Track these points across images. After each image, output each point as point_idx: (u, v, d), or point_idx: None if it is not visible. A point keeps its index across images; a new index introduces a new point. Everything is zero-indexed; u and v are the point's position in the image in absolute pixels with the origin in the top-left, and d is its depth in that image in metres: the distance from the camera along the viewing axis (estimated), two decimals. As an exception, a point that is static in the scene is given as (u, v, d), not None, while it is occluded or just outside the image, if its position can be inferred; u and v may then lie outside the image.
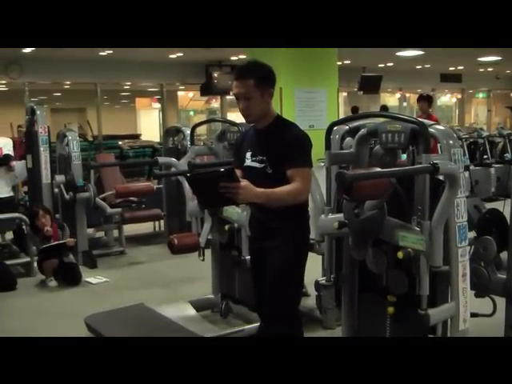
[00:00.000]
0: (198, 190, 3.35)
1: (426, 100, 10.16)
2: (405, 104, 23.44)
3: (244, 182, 3.21)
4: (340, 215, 3.82)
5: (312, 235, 3.95)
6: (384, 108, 16.34)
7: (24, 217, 7.28)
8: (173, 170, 7.24)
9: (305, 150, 3.49)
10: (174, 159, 7.47)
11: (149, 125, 22.03)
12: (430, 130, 3.54)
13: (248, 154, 3.64)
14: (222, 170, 3.24)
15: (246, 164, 3.65)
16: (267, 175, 3.50)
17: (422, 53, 14.94)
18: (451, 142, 3.54)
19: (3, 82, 15.86)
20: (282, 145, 3.46)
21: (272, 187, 3.36)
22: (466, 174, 10.23)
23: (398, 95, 23.34)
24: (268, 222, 3.60)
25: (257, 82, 3.44)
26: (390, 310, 3.74)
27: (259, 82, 3.45)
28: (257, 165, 3.56)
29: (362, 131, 3.98)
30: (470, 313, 3.62)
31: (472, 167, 11.63)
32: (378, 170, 3.44)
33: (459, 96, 25.75)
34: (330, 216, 4.00)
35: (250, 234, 3.99)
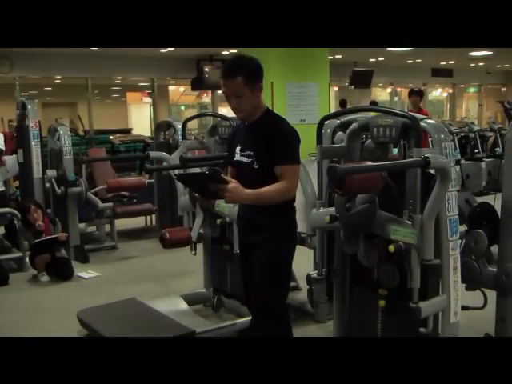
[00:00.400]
0: (189, 187, 3.39)
1: (418, 94, 10.05)
2: (396, 98, 23.47)
3: (231, 184, 3.21)
4: (331, 209, 3.83)
5: (303, 229, 3.96)
6: (373, 104, 16.33)
7: (16, 212, 7.27)
8: (164, 164, 7.24)
9: (292, 146, 3.47)
10: (165, 153, 7.48)
11: (140, 119, 21.98)
12: (422, 124, 3.55)
13: (237, 149, 3.63)
14: (207, 173, 3.25)
15: (235, 158, 3.65)
16: (254, 170, 3.50)
17: (413, 47, 14.97)
18: (442, 136, 3.55)
19: (-6, 76, 15.83)
20: (269, 141, 3.45)
21: (258, 182, 3.37)
22: (457, 168, 10.29)
23: (389, 90, 23.37)
24: (254, 218, 3.59)
25: (245, 79, 3.41)
26: (382, 303, 3.76)
27: (248, 78, 3.42)
28: (244, 159, 3.56)
29: (354, 125, 3.98)
30: (461, 306, 3.64)
31: (463, 161, 11.67)
32: (370, 164, 3.45)
33: (450, 91, 25.80)
34: (322, 210, 4.01)
35: (237, 229, 4.00)
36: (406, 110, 4.31)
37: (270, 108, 3.68)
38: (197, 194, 3.68)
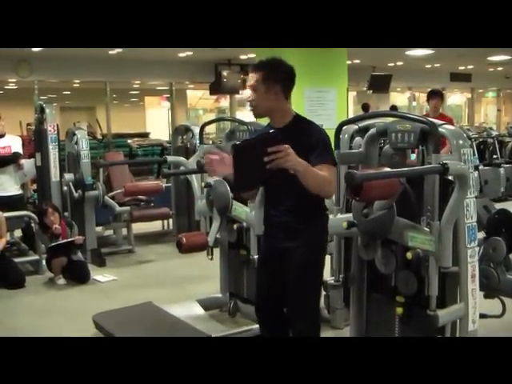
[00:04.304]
0: (242, 163, 3.14)
1: (440, 96, 8.77)
2: (414, 103, 23.38)
3: (288, 145, 3.12)
4: (349, 215, 3.81)
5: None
6: (393, 108, 16.24)
7: (33, 215, 7.30)
8: (182, 168, 7.24)
9: (329, 148, 3.46)
10: (182, 158, 7.47)
11: (158, 123, 22.04)
12: (440, 129, 3.52)
13: None
14: (272, 131, 3.18)
15: None
16: (288, 176, 3.35)
17: (432, 52, 14.87)
18: (461, 142, 3.52)
19: (13, 80, 15.89)
20: (304, 144, 3.35)
21: (292, 187, 3.33)
22: (476, 174, 10.19)
23: (407, 94, 23.28)
24: (289, 223, 3.57)
25: (264, 77, 3.44)
26: (399, 310, 3.73)
27: (267, 77, 3.44)
28: None
29: (372, 131, 3.96)
30: (479, 314, 3.61)
31: (481, 167, 11.59)
32: (388, 170, 3.43)
33: (469, 95, 25.66)
34: (339, 216, 3.99)
35: (263, 233, 3.91)
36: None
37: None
38: (235, 180, 3.38)
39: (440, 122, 3.72)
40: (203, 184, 5.44)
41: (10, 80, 16.00)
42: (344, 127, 4.18)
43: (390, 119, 3.95)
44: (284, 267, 3.60)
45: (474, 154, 10.83)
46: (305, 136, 3.43)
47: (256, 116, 3.68)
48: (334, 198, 4.09)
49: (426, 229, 3.45)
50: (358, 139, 4.33)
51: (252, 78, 3.48)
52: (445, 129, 3.57)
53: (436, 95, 8.65)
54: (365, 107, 15.53)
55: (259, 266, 3.99)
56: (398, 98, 23.92)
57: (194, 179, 6.30)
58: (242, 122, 5.56)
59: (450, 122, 7.53)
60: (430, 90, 8.94)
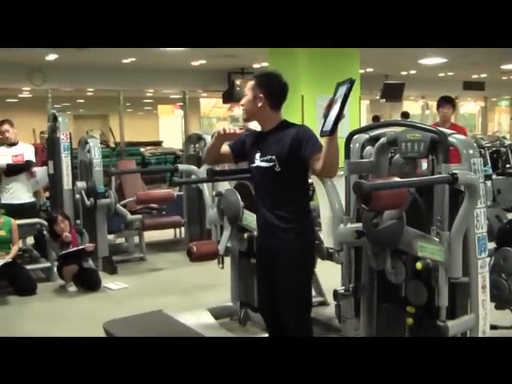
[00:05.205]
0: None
1: (451, 104, 7.72)
2: (427, 112, 23.34)
3: None
4: (359, 225, 3.81)
5: (331, 244, 3.94)
6: (405, 114, 16.17)
7: (45, 222, 7.34)
8: (193, 177, 7.25)
9: (317, 139, 3.61)
10: (193, 167, 7.49)
11: (171, 132, 22.08)
12: (450, 139, 3.50)
13: (257, 155, 3.78)
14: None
15: (253, 165, 3.81)
16: (275, 174, 3.65)
17: (445, 60, 14.84)
18: (471, 151, 3.50)
19: (27, 88, 16.02)
20: (291, 141, 3.61)
21: (279, 185, 3.62)
22: (488, 183, 10.11)
23: (420, 103, 23.24)
24: (276, 223, 3.72)
25: (254, 86, 3.75)
26: (409, 320, 3.71)
27: (255, 86, 3.74)
28: (265, 164, 3.70)
29: (382, 140, 3.95)
30: (489, 325, 3.58)
31: (494, 176, 11.54)
32: (397, 179, 3.42)
33: (482, 104, 25.58)
34: (349, 225, 3.97)
35: (257, 233, 4.11)
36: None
37: (301, 121, 3.74)
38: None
39: (450, 131, 3.69)
40: (214, 193, 5.45)
41: (24, 88, 16.16)
42: (355, 136, 4.18)
43: (401, 128, 3.94)
44: (274, 267, 3.75)
45: (486, 164, 10.78)
46: (290, 133, 3.65)
47: (245, 119, 3.92)
48: (344, 207, 4.09)
49: (436, 239, 3.42)
50: (368, 148, 4.31)
51: (247, 84, 3.79)
52: (455, 138, 3.55)
53: (447, 102, 7.68)
54: (375, 119, 15.55)
55: (257, 268, 4.16)
56: (411, 106, 23.86)
57: (206, 188, 6.31)
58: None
59: (463, 133, 7.00)
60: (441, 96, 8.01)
